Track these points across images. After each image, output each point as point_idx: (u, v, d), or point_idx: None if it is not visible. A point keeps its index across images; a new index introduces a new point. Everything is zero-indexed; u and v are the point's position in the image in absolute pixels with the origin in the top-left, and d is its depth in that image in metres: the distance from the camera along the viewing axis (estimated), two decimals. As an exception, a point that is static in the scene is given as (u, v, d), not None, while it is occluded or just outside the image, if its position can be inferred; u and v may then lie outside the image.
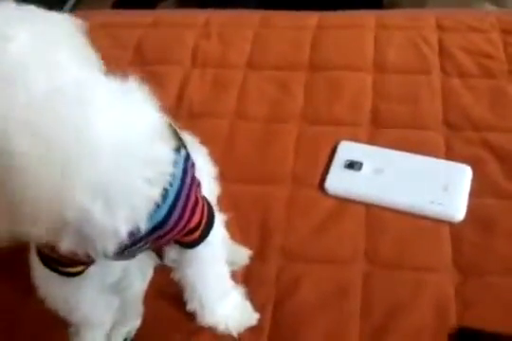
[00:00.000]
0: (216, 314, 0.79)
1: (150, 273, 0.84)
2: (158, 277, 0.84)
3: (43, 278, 0.69)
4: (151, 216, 0.58)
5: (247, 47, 1.21)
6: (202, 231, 0.69)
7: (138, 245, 0.63)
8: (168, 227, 0.62)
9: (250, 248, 0.88)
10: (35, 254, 0.67)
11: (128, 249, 0.62)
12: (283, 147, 1.03)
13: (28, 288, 0.72)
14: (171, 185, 0.59)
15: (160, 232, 0.62)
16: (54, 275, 0.67)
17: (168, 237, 0.64)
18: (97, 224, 0.53)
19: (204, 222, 0.68)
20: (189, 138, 0.80)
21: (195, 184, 0.65)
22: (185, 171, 0.62)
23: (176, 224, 0.63)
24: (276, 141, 1.04)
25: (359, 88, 1.13)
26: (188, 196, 0.63)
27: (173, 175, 0.59)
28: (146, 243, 0.64)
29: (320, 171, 0.98)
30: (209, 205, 0.71)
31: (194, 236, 0.68)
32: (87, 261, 0.66)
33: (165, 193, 0.58)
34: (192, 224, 0.66)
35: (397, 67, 1.16)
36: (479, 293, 0.82)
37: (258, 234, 0.91)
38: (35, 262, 0.68)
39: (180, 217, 0.63)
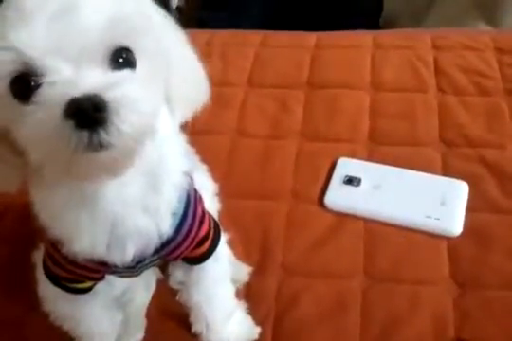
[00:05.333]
0: (222, 333, 0.79)
1: (153, 287, 0.84)
2: (161, 290, 0.84)
3: (48, 292, 0.69)
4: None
5: (248, 66, 1.24)
6: (211, 241, 0.70)
7: (151, 259, 0.64)
8: (180, 238, 0.63)
9: (251, 263, 0.89)
10: (42, 269, 0.68)
11: (141, 263, 0.64)
12: (282, 163, 1.05)
13: (33, 302, 0.73)
14: (180, 199, 0.61)
15: (173, 244, 0.63)
16: (60, 290, 0.67)
17: (180, 249, 0.65)
18: (139, 230, 0.57)
19: (212, 232, 0.70)
20: (190, 155, 0.81)
21: (198, 196, 0.67)
22: (190, 180, 0.64)
23: (188, 235, 0.64)
24: (276, 157, 1.06)
25: (357, 106, 1.15)
26: (195, 206, 0.65)
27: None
28: (158, 259, 0.66)
29: (319, 187, 1.00)
30: (213, 218, 0.72)
31: (204, 247, 0.69)
32: (96, 277, 0.67)
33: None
34: (203, 232, 0.67)
35: (394, 86, 1.18)
36: (477, 306, 0.83)
37: (258, 249, 0.92)
38: (41, 277, 0.68)
39: (191, 226, 0.64)
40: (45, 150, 0.45)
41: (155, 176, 0.56)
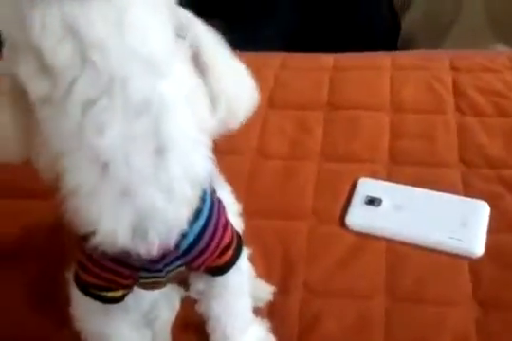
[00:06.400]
0: None
1: (177, 305, 0.85)
2: (184, 307, 0.86)
3: (81, 307, 0.70)
4: (188, 231, 0.61)
5: (268, 88, 1.25)
6: (234, 250, 0.71)
7: (177, 265, 0.66)
8: (204, 242, 0.65)
9: (273, 282, 0.90)
10: (74, 283, 0.69)
11: (168, 267, 0.65)
12: (303, 183, 1.06)
13: (61, 319, 0.75)
14: (204, 200, 0.63)
15: (198, 248, 0.65)
16: (93, 305, 0.68)
17: (205, 255, 0.66)
18: (158, 213, 0.56)
19: (235, 240, 0.71)
20: (215, 174, 0.83)
21: (222, 206, 0.69)
22: (213, 191, 0.66)
23: (212, 239, 0.65)
24: (297, 178, 1.07)
25: (377, 127, 1.16)
26: (219, 213, 0.66)
27: (204, 192, 0.62)
28: (183, 265, 0.67)
29: (340, 207, 1.01)
30: (235, 229, 0.73)
31: (228, 255, 0.70)
32: (124, 284, 0.68)
33: (200, 208, 0.62)
34: (226, 239, 0.68)
35: (413, 107, 1.19)
36: (499, 327, 0.83)
37: (280, 269, 0.93)
38: (75, 292, 0.69)
39: (215, 231, 0.65)
40: None
41: (161, 152, 0.55)
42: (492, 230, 0.94)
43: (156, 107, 0.53)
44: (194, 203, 0.61)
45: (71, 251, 0.67)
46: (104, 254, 0.60)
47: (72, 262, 0.70)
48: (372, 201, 1.00)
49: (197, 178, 0.59)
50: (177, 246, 0.62)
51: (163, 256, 0.62)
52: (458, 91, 1.22)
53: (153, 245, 0.59)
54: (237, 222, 0.87)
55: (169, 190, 0.56)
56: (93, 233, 0.57)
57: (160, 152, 0.54)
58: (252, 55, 1.40)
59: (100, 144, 0.52)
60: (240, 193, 0.96)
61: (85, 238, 0.59)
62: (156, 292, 0.80)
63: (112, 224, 0.56)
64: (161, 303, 0.83)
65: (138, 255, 0.60)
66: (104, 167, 0.53)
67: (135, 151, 0.53)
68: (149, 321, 0.82)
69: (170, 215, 0.58)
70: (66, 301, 0.71)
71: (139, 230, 0.57)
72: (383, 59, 1.34)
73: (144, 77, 0.51)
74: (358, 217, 0.98)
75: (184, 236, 0.62)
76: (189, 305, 0.83)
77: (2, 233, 0.98)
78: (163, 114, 0.53)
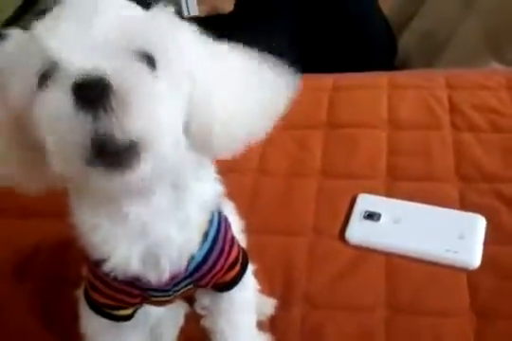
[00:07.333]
0: None
1: (181, 320, 0.87)
2: (187, 322, 0.88)
3: (92, 325, 0.71)
4: (196, 251, 0.64)
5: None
6: (241, 266, 0.73)
7: (185, 283, 0.68)
8: (212, 261, 0.67)
9: (274, 296, 0.92)
10: (84, 301, 0.70)
11: (176, 286, 0.67)
12: (303, 200, 1.08)
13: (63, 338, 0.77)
14: (211, 220, 0.65)
15: (206, 267, 0.67)
16: (104, 322, 0.70)
17: (213, 272, 0.68)
18: (170, 242, 0.60)
19: (241, 256, 0.73)
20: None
21: (228, 223, 0.71)
22: (219, 209, 0.68)
23: (219, 257, 0.68)
24: (297, 195, 1.10)
25: (375, 144, 1.19)
26: (226, 231, 0.69)
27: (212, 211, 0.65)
28: (191, 283, 0.69)
29: (340, 222, 1.03)
30: (240, 245, 0.76)
31: (234, 271, 0.72)
32: (134, 303, 0.69)
33: (208, 229, 0.65)
34: (233, 256, 0.71)
35: (410, 124, 1.22)
36: (498, 337, 0.84)
37: (282, 283, 0.95)
38: (85, 310, 0.70)
39: (222, 249, 0.68)
40: (55, 139, 0.47)
41: (177, 189, 0.59)
42: (488, 243, 0.96)
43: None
44: (204, 227, 0.64)
45: (79, 269, 0.69)
46: (115, 278, 0.62)
47: (81, 280, 0.72)
48: (371, 216, 1.02)
49: (207, 203, 0.63)
50: (186, 268, 0.65)
51: (172, 278, 0.65)
52: (454, 108, 1.25)
53: (164, 272, 0.62)
54: (240, 238, 0.89)
55: (183, 221, 0.60)
56: (105, 260, 0.60)
57: (176, 187, 0.59)
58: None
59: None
60: (242, 210, 0.98)
61: (98, 263, 0.62)
62: (162, 308, 0.82)
63: (125, 255, 0.59)
64: (166, 319, 0.85)
65: (149, 281, 0.62)
66: (124, 216, 0.57)
67: (155, 197, 0.57)
68: (155, 337, 0.83)
69: (182, 242, 0.61)
70: (74, 320, 0.73)
71: (151, 258, 0.60)
72: (381, 78, 1.37)
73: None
74: (358, 231, 1.01)
75: (193, 257, 0.64)
76: (191, 320, 0.85)
77: (11, 252, 1.01)
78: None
